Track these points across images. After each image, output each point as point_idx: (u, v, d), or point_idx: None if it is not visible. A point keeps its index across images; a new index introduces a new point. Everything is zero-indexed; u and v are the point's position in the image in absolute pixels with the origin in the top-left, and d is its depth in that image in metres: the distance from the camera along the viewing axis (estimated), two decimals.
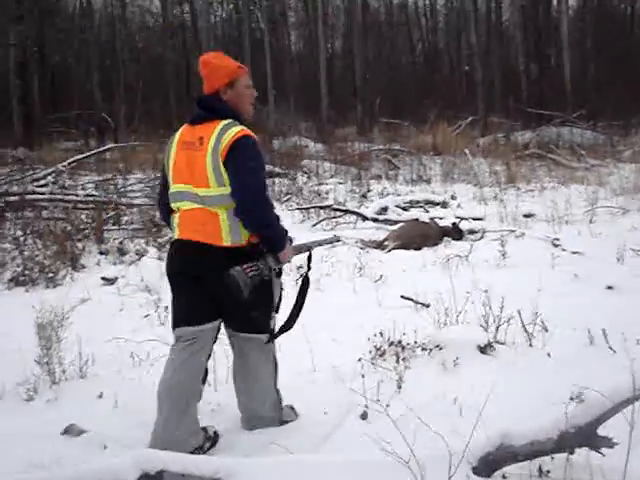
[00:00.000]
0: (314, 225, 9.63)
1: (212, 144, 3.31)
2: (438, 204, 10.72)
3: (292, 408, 3.76)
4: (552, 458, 2.85)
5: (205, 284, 3.39)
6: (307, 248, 3.89)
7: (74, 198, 9.90)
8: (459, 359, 4.17)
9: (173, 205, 3.51)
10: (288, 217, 9.63)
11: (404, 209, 10.21)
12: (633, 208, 10.02)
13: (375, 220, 9.66)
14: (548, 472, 2.87)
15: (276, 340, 3.63)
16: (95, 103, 25.16)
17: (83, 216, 9.04)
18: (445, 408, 3.60)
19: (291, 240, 3.57)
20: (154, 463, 2.67)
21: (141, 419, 3.72)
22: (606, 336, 4.45)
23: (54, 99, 28.03)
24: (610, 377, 3.60)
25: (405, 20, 38.31)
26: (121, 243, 8.12)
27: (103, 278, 6.87)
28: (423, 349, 4.39)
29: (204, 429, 3.54)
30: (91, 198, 9.94)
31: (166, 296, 5.97)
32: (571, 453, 2.81)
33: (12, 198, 9.68)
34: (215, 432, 3.58)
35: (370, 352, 4.42)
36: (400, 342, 4.47)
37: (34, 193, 10.09)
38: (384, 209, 10.03)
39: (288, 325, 3.64)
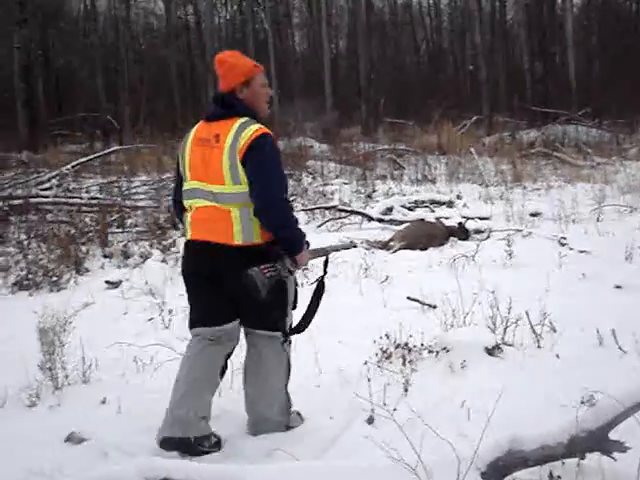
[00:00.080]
0: (319, 226, 9.57)
1: (229, 141, 3.32)
2: (444, 204, 10.66)
3: (299, 414, 3.72)
4: (563, 463, 2.79)
5: (221, 284, 3.40)
6: (324, 252, 3.86)
7: (78, 201, 9.87)
8: (466, 361, 4.11)
9: (186, 203, 3.53)
10: None
11: (409, 209, 10.15)
12: None
13: (380, 220, 9.61)
14: (559, 477, 2.80)
15: (291, 343, 3.63)
16: (100, 105, 25.18)
17: (87, 219, 9.00)
18: (453, 412, 3.54)
19: (308, 244, 3.56)
20: (157, 471, 2.63)
21: (145, 425, 3.68)
22: (615, 336, 4.39)
23: (59, 102, 28.05)
24: (621, 379, 3.56)
25: (409, 20, 38.25)
26: (125, 246, 8.08)
27: (107, 282, 6.83)
28: (430, 351, 4.34)
29: (212, 433, 3.51)
30: (95, 201, 9.89)
31: (171, 299, 6.00)
32: (582, 458, 2.76)
33: (16, 202, 9.66)
34: (219, 439, 3.53)
35: (376, 354, 4.37)
36: (407, 344, 4.42)
37: (38, 196, 10.08)
38: (389, 209, 9.97)
39: (300, 327, 3.65)
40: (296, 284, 3.64)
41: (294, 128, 20.68)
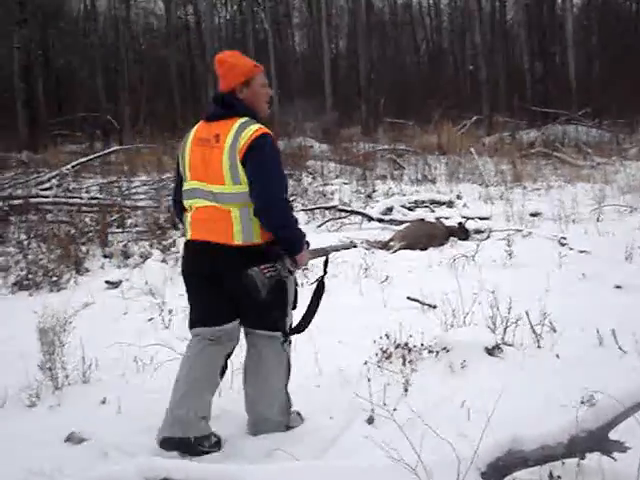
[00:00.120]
0: (319, 226, 9.57)
1: (229, 141, 3.32)
2: (444, 204, 10.66)
3: (299, 414, 3.72)
4: (563, 463, 2.79)
5: (221, 284, 3.41)
6: (324, 252, 3.87)
7: (78, 201, 9.87)
8: (466, 361, 4.11)
9: (186, 203, 3.53)
10: None
11: (409, 209, 10.15)
12: None
13: (380, 220, 9.61)
14: (559, 477, 2.80)
15: (291, 343, 3.64)
16: (100, 105, 25.18)
17: (87, 219, 9.00)
18: (453, 412, 3.54)
19: (308, 244, 3.57)
20: (157, 471, 2.63)
21: (145, 425, 3.67)
22: (615, 336, 4.39)
23: (59, 102, 28.04)
24: (621, 378, 3.56)
25: (409, 20, 38.24)
26: (125, 246, 8.08)
27: (107, 282, 6.83)
28: (430, 351, 4.33)
29: (212, 433, 3.51)
30: (95, 201, 9.89)
31: (171, 299, 6.00)
32: (582, 458, 2.75)
33: (16, 202, 9.66)
34: (219, 439, 3.53)
35: (376, 354, 4.37)
36: (407, 344, 4.41)
37: (38, 196, 10.08)
38: (389, 209, 9.97)
39: (300, 327, 3.65)
40: (296, 284, 3.65)
41: (294, 128, 20.68)
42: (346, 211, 9.96)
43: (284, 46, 34.64)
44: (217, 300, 3.46)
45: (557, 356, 4.33)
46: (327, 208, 10.14)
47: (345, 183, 13.13)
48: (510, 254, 7.10)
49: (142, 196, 11.06)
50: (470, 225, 8.74)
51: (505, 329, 4.55)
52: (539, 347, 4.48)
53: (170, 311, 5.55)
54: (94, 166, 14.55)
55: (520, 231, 8.46)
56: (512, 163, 14.31)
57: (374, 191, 12.20)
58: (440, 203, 10.67)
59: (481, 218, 9.32)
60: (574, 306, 5.34)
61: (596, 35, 27.81)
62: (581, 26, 29.29)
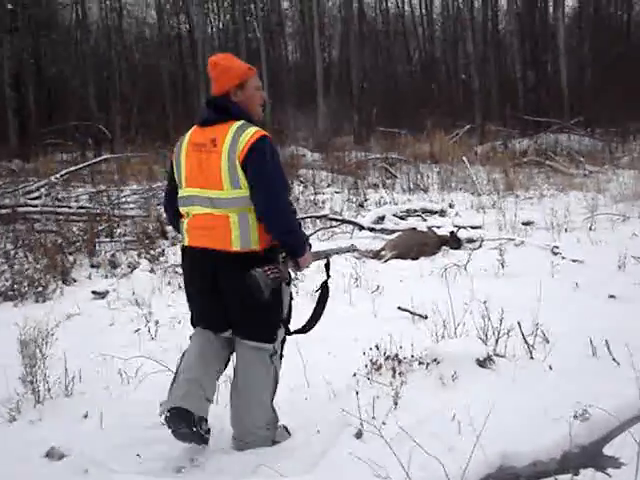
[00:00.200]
0: (310, 235, 9.47)
1: (227, 145, 3.26)
2: (436, 213, 10.61)
3: (285, 428, 3.64)
4: (555, 479, 2.71)
5: (220, 291, 3.38)
6: (325, 255, 3.84)
7: (67, 210, 9.76)
8: (457, 373, 4.01)
9: (183, 209, 3.49)
10: None
11: (401, 218, 10.10)
12: (633, 215, 9.91)
13: (372, 229, 9.53)
14: None
15: (282, 357, 3.63)
16: (91, 114, 25.07)
17: (75, 229, 8.89)
18: (443, 426, 3.44)
19: (310, 246, 3.56)
20: None
21: (127, 440, 3.60)
22: (609, 347, 4.31)
23: (50, 111, 27.90)
24: (614, 391, 3.47)
25: (402, 29, 38.27)
26: (113, 256, 7.98)
27: (94, 292, 6.73)
28: (420, 363, 4.24)
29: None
30: (84, 210, 9.78)
31: (158, 310, 5.92)
32: (576, 474, 2.67)
33: (3, 211, 9.54)
34: (209, 429, 3.48)
35: (366, 366, 4.27)
36: (397, 356, 4.32)
37: (26, 205, 9.96)
38: (381, 218, 9.90)
39: (305, 329, 3.69)
40: (291, 297, 3.61)
41: (286, 136, 20.63)
42: (337, 220, 9.88)
43: (276, 55, 34.63)
44: (217, 308, 3.44)
45: (550, 367, 4.24)
46: (318, 217, 10.04)
47: (337, 192, 13.09)
48: (502, 263, 7.04)
49: (132, 205, 10.96)
50: (462, 234, 8.67)
51: (497, 340, 4.47)
52: (531, 358, 4.39)
53: (157, 322, 5.46)
54: (84, 175, 14.43)
55: (512, 240, 8.41)
56: (504, 172, 14.27)
57: (366, 200, 12.15)
58: (432, 212, 10.62)
59: (473, 227, 9.27)
60: (567, 316, 5.28)
61: (588, 44, 27.84)
62: (573, 35, 29.36)
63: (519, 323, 4.53)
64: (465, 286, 6.22)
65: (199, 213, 3.39)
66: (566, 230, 9.07)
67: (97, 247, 8.32)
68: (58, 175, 12.39)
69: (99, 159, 15.78)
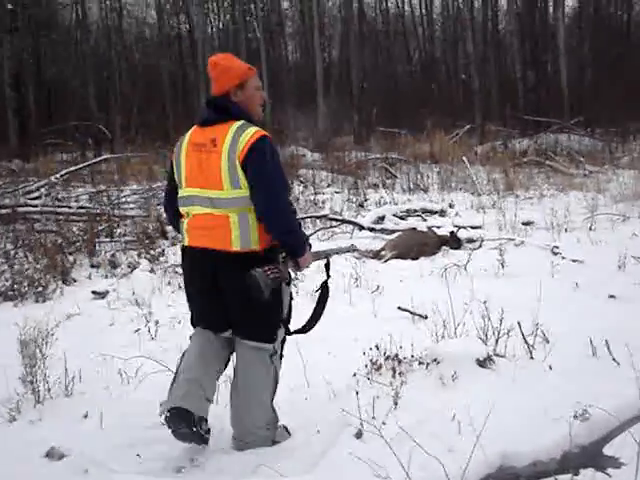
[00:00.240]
0: (310, 235, 9.47)
1: (227, 145, 3.26)
2: (436, 213, 10.61)
3: (285, 428, 3.64)
4: (555, 479, 2.71)
5: (220, 291, 3.38)
6: (325, 255, 3.85)
7: (67, 210, 9.75)
8: (457, 373, 4.01)
9: (183, 209, 3.49)
10: None
11: (401, 218, 10.09)
12: (633, 215, 9.90)
13: (372, 229, 9.52)
14: None
15: (282, 357, 3.62)
16: (91, 114, 25.06)
17: (75, 229, 8.88)
18: (443, 426, 3.44)
19: (310, 246, 3.56)
20: None
21: (127, 440, 3.59)
22: (609, 347, 4.31)
23: (50, 111, 27.90)
24: (614, 391, 3.47)
25: (402, 29, 38.25)
26: (113, 256, 7.97)
27: (94, 292, 6.72)
28: (420, 363, 4.23)
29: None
30: (84, 210, 9.78)
31: (158, 310, 5.91)
32: (576, 474, 2.67)
33: (3, 211, 9.53)
34: (209, 429, 3.48)
35: (366, 366, 4.27)
36: (397, 356, 4.31)
37: (26, 205, 9.95)
38: (381, 218, 9.90)
39: (305, 328, 3.69)
40: (291, 298, 3.61)
41: (286, 136, 20.62)
42: (337, 220, 9.86)
43: (276, 55, 34.61)
44: (217, 308, 3.45)
45: (550, 367, 4.24)
46: (318, 217, 10.03)
47: (337, 192, 13.08)
48: (502, 263, 7.03)
49: (132, 205, 10.95)
50: (462, 234, 8.66)
51: (497, 340, 4.46)
52: (531, 358, 4.39)
53: (157, 322, 5.46)
54: (84, 175, 14.43)
55: (512, 240, 8.40)
56: (504, 172, 14.27)
57: (366, 200, 12.14)
58: (432, 212, 10.61)
59: (473, 227, 9.27)
60: (567, 316, 5.28)
61: (588, 44, 27.85)
62: (573, 35, 29.36)
63: (519, 323, 4.53)
64: (465, 286, 6.21)
65: (199, 213, 3.39)
66: (566, 230, 9.07)
67: (97, 247, 8.31)
68: (58, 175, 12.39)
69: (99, 159, 15.77)
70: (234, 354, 3.60)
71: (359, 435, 3.43)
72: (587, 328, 4.75)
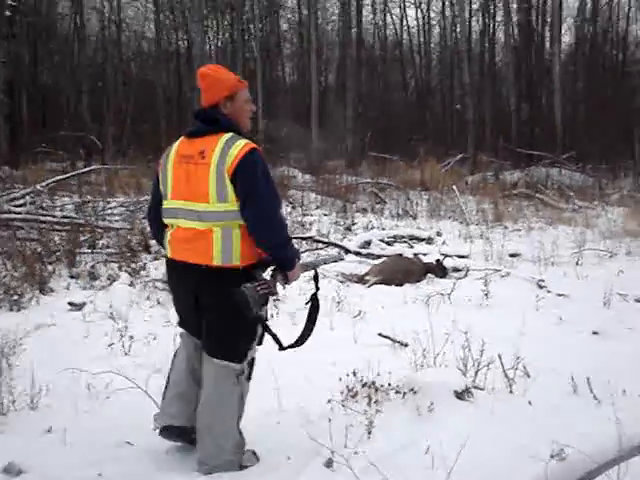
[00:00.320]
0: None
1: (216, 157, 3.19)
2: (423, 240, 10.53)
3: (254, 453, 3.52)
4: None
5: (199, 302, 3.35)
6: (313, 266, 3.77)
7: (50, 219, 9.61)
8: (434, 404, 3.91)
9: (167, 221, 3.43)
10: None
11: (388, 244, 10.01)
12: (620, 252, 9.87)
13: (358, 254, 9.43)
14: None
15: (250, 379, 3.50)
16: (84, 125, 24.97)
17: (57, 238, 8.74)
18: (416, 458, 3.33)
19: (299, 258, 3.49)
20: None
21: (89, 457, 3.47)
22: (590, 385, 4.22)
23: (43, 119, 27.80)
24: (593, 430, 3.39)
25: (399, 57, 38.47)
26: (93, 267, 7.83)
27: (70, 303, 6.57)
28: (397, 392, 4.14)
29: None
30: (68, 220, 9.64)
31: (134, 325, 5.79)
32: None
33: None
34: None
35: (342, 393, 4.18)
36: (374, 383, 4.23)
37: (9, 212, 9.81)
38: (368, 243, 9.82)
39: (297, 343, 3.63)
40: (266, 319, 3.49)
41: (278, 157, 20.58)
42: (323, 242, 9.78)
43: (274, 76, 34.72)
44: (200, 320, 3.40)
45: (529, 403, 4.15)
46: (304, 239, 9.93)
47: (325, 214, 13.03)
48: (487, 294, 6.96)
49: (117, 217, 10.82)
50: (448, 263, 8.58)
51: (476, 372, 4.37)
52: (511, 392, 4.30)
53: (131, 337, 5.33)
54: (72, 185, 14.29)
55: (498, 271, 8.32)
56: (494, 203, 14.26)
57: (354, 224, 12.08)
58: (419, 239, 10.54)
59: (460, 256, 9.18)
60: (549, 351, 5.20)
61: (582, 81, 28.07)
62: (568, 71, 29.59)
63: (500, 356, 4.44)
64: (448, 315, 6.10)
65: (183, 227, 3.32)
66: (553, 264, 9.01)
67: (78, 258, 8.15)
68: (44, 183, 12.24)
69: (87, 169, 15.65)
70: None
71: (329, 464, 3.32)
72: (569, 364, 4.68)
